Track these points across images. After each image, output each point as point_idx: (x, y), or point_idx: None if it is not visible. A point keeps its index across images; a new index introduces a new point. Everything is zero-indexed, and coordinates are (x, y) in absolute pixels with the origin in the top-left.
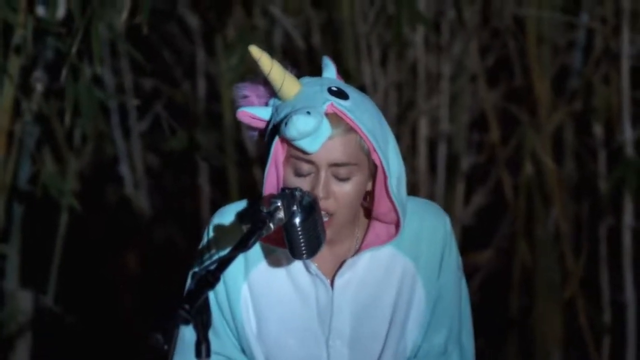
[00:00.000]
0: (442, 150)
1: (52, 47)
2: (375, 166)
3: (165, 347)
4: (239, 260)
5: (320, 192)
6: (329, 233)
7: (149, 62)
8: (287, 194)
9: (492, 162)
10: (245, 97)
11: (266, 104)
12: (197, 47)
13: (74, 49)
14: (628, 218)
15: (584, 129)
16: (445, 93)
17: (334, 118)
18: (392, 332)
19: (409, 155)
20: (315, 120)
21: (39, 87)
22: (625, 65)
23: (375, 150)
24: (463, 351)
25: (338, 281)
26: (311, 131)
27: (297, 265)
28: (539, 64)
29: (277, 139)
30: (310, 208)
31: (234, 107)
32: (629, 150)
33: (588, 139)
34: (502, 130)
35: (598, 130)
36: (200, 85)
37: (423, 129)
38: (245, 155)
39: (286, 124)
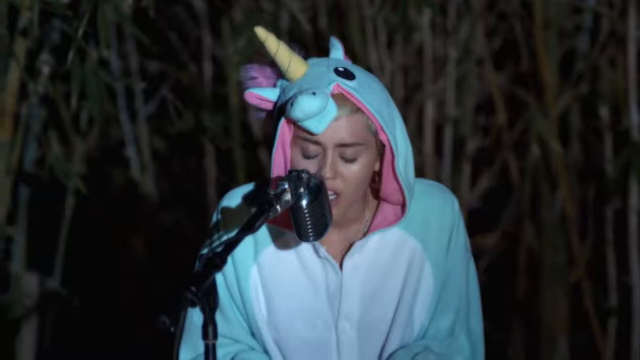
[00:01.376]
0: (448, 133)
1: (58, 30)
2: (383, 146)
3: (172, 329)
4: (249, 242)
5: (327, 173)
6: (336, 213)
7: (155, 44)
8: (294, 176)
9: (499, 145)
10: (253, 78)
11: (274, 85)
12: (204, 30)
13: (80, 32)
14: (634, 201)
15: (591, 112)
16: (451, 76)
17: (340, 98)
18: (399, 314)
19: (415, 138)
20: (321, 100)
21: (45, 69)
22: (632, 49)
23: (382, 130)
24: (471, 334)
25: (347, 264)
26: (316, 112)
27: (306, 248)
28: (545, 47)
29: (283, 120)
30: (317, 190)
31: (241, 89)
32: (636, 134)
33: (594, 122)
34: (508, 114)
35: (604, 113)
36: (207, 68)
37: (429, 112)
38: (252, 137)
39: (292, 104)
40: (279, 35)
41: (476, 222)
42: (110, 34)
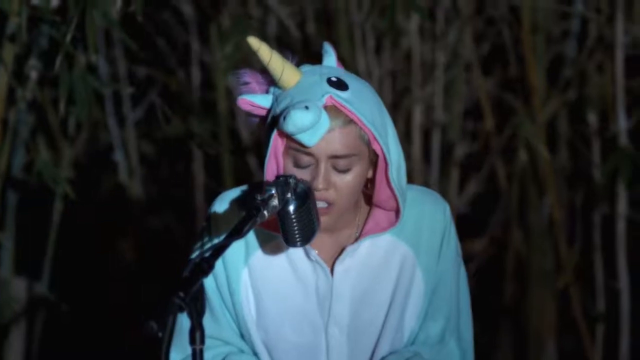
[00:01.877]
0: (436, 139)
1: (46, 35)
2: (376, 154)
3: (159, 334)
4: (240, 245)
5: (320, 184)
6: (328, 221)
7: (143, 50)
8: (281, 181)
9: (487, 150)
10: (246, 84)
11: (267, 91)
12: (192, 36)
13: (68, 37)
14: (622, 207)
15: (578, 118)
16: (439, 81)
17: (333, 110)
18: (389, 319)
19: (403, 143)
20: (313, 115)
21: (34, 75)
22: (620, 55)
23: (376, 140)
24: (461, 340)
25: (338, 268)
26: (309, 126)
27: (298, 251)
28: (533, 52)
29: (275, 132)
30: (305, 196)
31: (229, 95)
32: (623, 140)
33: (582, 128)
34: (496, 119)
35: (592, 119)
36: (195, 73)
37: (417, 117)
38: (240, 143)
39: (284, 118)
40: (266, 41)
41: (464, 227)
42: (98, 40)
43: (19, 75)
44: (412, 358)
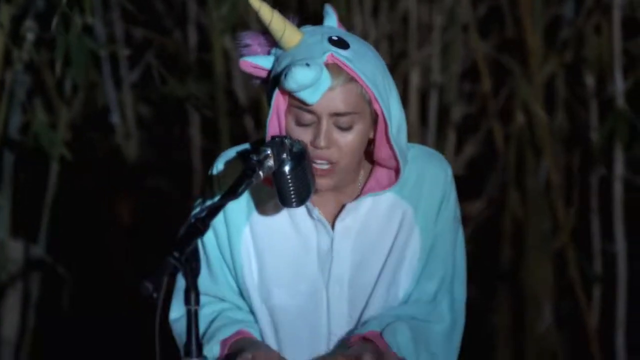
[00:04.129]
0: (433, 101)
1: None
2: (377, 114)
3: (155, 295)
4: (242, 202)
5: (321, 142)
6: (330, 182)
7: (140, 11)
8: (276, 141)
9: (483, 112)
10: (247, 46)
11: (268, 53)
12: None
13: None
14: (619, 168)
15: (576, 79)
16: (436, 43)
17: (334, 68)
18: (383, 275)
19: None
20: (314, 72)
21: (30, 36)
22: (617, 16)
23: (376, 99)
24: (454, 301)
25: (339, 225)
26: (310, 83)
27: (300, 209)
28: (530, 14)
29: (277, 90)
30: (300, 156)
31: (225, 56)
32: (620, 101)
33: (579, 90)
34: (493, 81)
35: (589, 80)
36: (192, 34)
37: (414, 80)
38: (237, 105)
39: (285, 75)
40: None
41: (461, 189)
42: (95, 1)
43: (15, 36)
44: (393, 323)
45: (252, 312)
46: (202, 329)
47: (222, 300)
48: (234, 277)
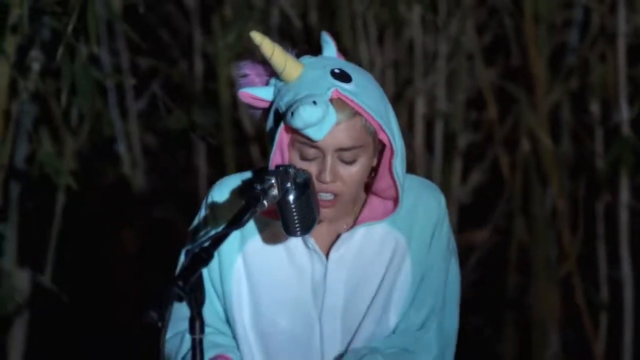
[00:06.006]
0: (439, 129)
1: (48, 26)
2: (381, 144)
3: (160, 324)
4: (235, 232)
5: (327, 177)
6: (333, 212)
7: (145, 41)
8: (281, 171)
9: (489, 140)
10: (246, 76)
11: (267, 83)
12: (194, 26)
13: (70, 28)
14: (624, 196)
15: (581, 107)
16: (442, 72)
17: (339, 103)
18: (374, 305)
19: (406, 133)
20: (321, 110)
21: (36, 66)
22: (622, 43)
23: (382, 130)
24: (442, 334)
25: (333, 255)
26: (317, 121)
27: (295, 239)
28: (535, 42)
29: (282, 126)
30: (304, 185)
31: (231, 85)
32: (626, 129)
33: (585, 117)
34: (499, 109)
35: (595, 108)
36: (197, 64)
37: (420, 108)
38: (243, 133)
39: (292, 114)
40: (268, 31)
41: (467, 217)
42: (100, 31)
43: (21, 66)
44: (367, 356)
45: (237, 338)
46: (183, 351)
47: (207, 325)
48: (222, 304)
